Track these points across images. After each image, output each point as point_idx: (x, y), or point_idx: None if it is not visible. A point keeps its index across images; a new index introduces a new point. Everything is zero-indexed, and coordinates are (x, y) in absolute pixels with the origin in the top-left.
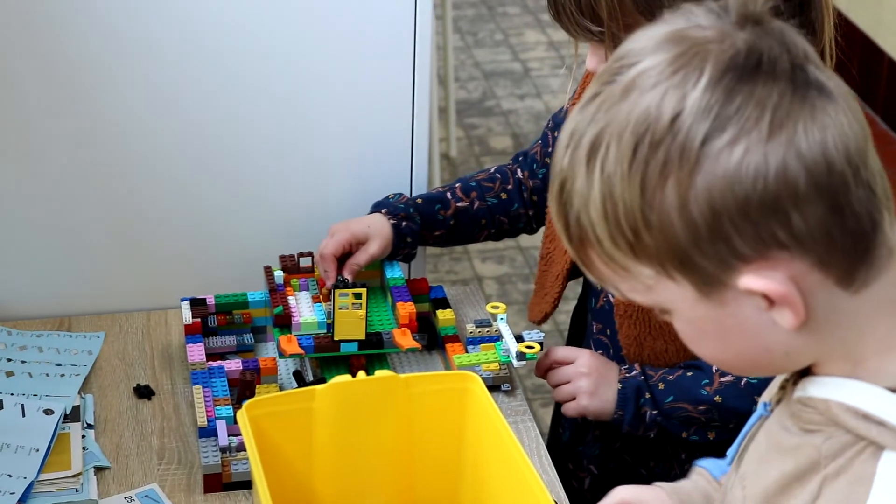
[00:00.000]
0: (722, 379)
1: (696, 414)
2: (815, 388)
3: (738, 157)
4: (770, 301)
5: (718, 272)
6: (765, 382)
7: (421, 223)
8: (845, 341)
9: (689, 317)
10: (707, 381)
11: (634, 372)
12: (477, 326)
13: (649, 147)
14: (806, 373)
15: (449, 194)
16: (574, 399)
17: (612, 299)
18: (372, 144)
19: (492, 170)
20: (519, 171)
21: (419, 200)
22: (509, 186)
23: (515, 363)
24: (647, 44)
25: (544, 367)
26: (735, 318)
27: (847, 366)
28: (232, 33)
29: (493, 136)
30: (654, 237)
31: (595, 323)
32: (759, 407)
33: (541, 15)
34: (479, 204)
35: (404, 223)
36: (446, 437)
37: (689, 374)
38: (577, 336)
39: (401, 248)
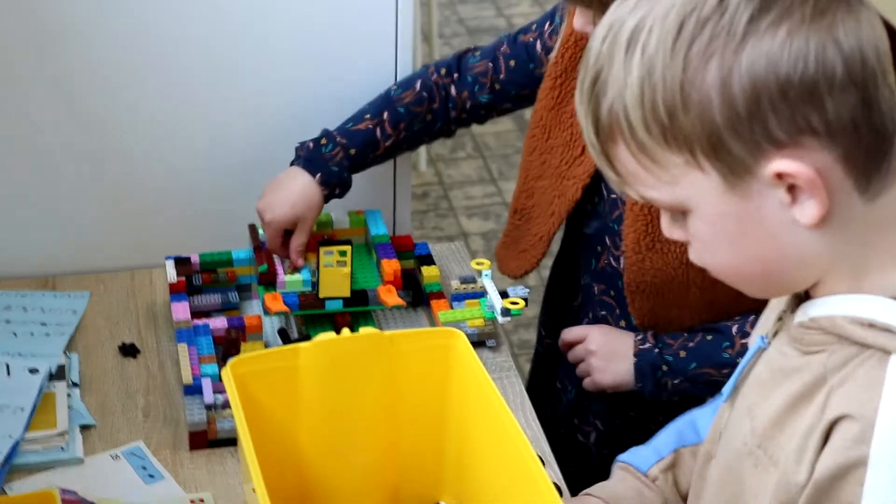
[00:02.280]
0: (742, 341)
1: (720, 377)
2: (816, 310)
3: (781, 37)
4: (794, 194)
5: (749, 158)
6: None
7: (350, 175)
8: (852, 255)
9: (710, 213)
10: (728, 343)
11: (648, 344)
12: (462, 283)
13: (695, 25)
14: (803, 301)
15: (378, 132)
16: (590, 376)
17: (613, 263)
18: (354, 102)
19: (418, 86)
20: (453, 88)
21: (352, 151)
22: (435, 105)
23: (500, 319)
24: None
25: (564, 350)
26: (757, 213)
27: (849, 282)
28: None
29: None
30: (691, 118)
31: (597, 285)
32: (757, 341)
33: None
34: (406, 134)
35: (337, 190)
36: (431, 393)
37: (710, 337)
38: (562, 296)
39: (329, 199)
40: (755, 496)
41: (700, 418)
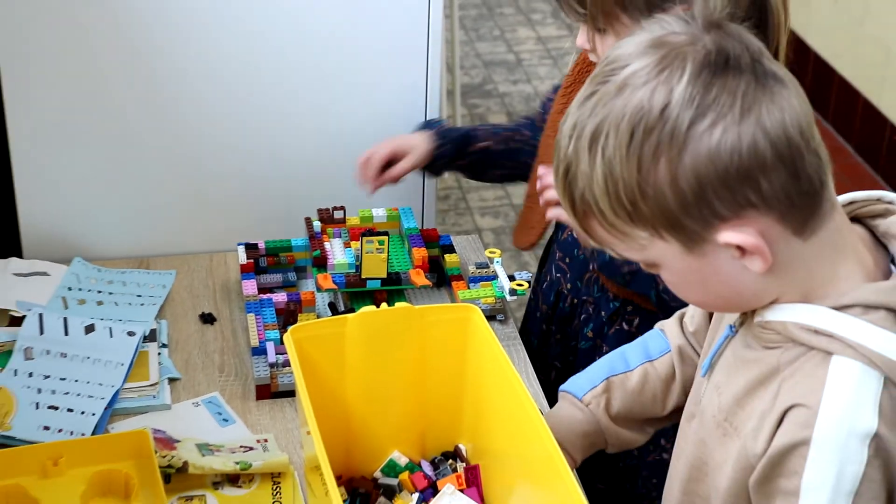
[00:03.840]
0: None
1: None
2: (771, 314)
3: (717, 137)
4: (742, 251)
5: (701, 230)
6: None
7: (453, 151)
8: (799, 280)
9: (676, 268)
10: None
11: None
12: (477, 268)
13: (643, 133)
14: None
15: (477, 132)
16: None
17: (573, 236)
18: (393, 120)
19: (510, 124)
20: (526, 130)
21: (453, 133)
22: (518, 138)
23: (508, 297)
24: (633, 49)
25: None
26: (713, 266)
27: (799, 296)
28: (284, 33)
29: (491, 114)
30: (650, 206)
31: (558, 251)
32: (726, 329)
33: (531, 15)
34: (496, 147)
35: (442, 148)
36: (452, 356)
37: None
38: (542, 263)
39: (431, 168)
40: (723, 461)
41: (629, 350)
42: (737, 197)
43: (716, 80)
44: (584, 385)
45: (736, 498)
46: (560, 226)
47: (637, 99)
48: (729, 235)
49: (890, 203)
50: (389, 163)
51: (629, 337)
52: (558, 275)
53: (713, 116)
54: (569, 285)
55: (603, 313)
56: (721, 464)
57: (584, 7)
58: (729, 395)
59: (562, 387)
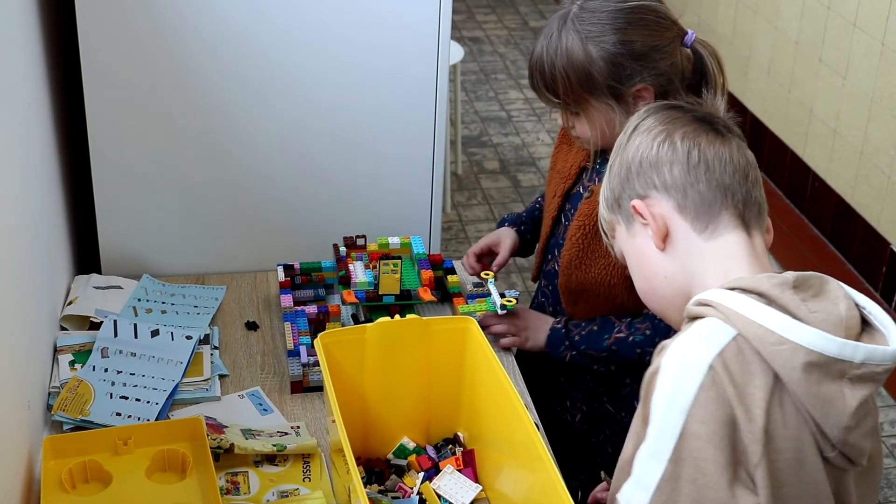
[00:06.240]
0: (618, 335)
1: (599, 357)
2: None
3: (648, 138)
4: (645, 223)
5: (627, 206)
6: (647, 340)
7: (531, 227)
8: (695, 272)
9: (628, 252)
10: (607, 336)
11: (559, 326)
12: (474, 287)
13: (617, 151)
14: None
15: (534, 208)
16: (518, 338)
17: (555, 268)
18: (408, 165)
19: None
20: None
21: (524, 215)
22: None
23: (499, 312)
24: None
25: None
26: (639, 245)
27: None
28: (325, 97)
29: (486, 161)
30: (612, 194)
31: (543, 280)
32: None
33: (520, 80)
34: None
35: (522, 227)
36: (453, 359)
37: (596, 328)
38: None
39: (524, 246)
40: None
41: None
42: (646, 179)
43: (667, 112)
44: None
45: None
46: (544, 257)
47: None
48: (637, 203)
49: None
50: (489, 253)
51: None
52: (542, 299)
53: (652, 131)
54: (550, 309)
55: None
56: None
57: (557, 97)
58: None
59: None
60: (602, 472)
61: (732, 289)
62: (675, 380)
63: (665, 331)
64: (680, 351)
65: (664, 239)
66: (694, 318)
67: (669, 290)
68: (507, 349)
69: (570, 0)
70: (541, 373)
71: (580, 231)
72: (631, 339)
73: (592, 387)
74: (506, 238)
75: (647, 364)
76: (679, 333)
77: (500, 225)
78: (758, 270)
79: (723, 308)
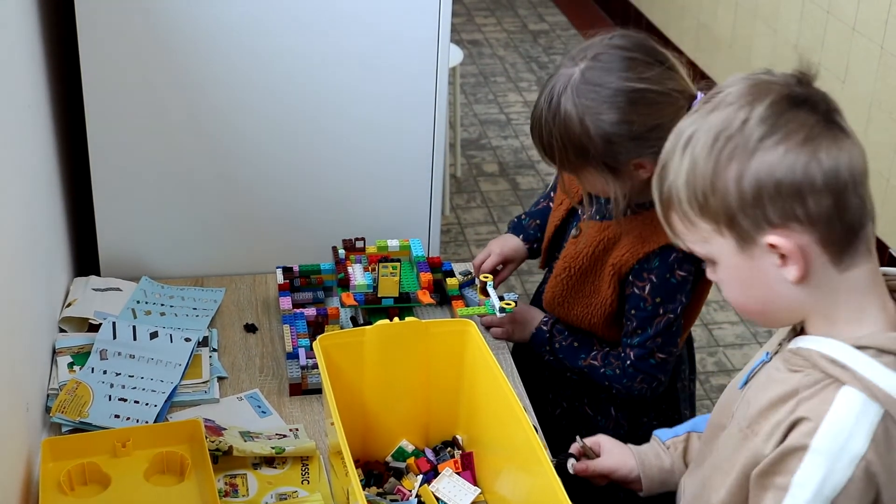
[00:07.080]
0: (592, 361)
1: (572, 369)
2: (803, 342)
3: (780, 153)
4: (783, 259)
5: (753, 232)
6: (616, 378)
7: (537, 232)
8: (827, 306)
9: (728, 265)
10: (584, 356)
11: (545, 328)
12: (461, 275)
13: (724, 140)
14: (798, 335)
15: (534, 213)
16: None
17: (553, 268)
18: (407, 167)
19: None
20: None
21: (538, 222)
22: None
23: (498, 314)
24: (733, 81)
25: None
26: (758, 268)
27: (825, 327)
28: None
29: (485, 163)
30: (717, 201)
31: (544, 283)
32: (763, 355)
33: (519, 83)
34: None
35: (535, 245)
36: (451, 362)
37: (576, 344)
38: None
39: (531, 255)
40: (737, 460)
41: (702, 422)
42: (786, 207)
43: (790, 112)
44: (669, 433)
45: (732, 496)
46: (548, 260)
47: (725, 114)
48: (774, 238)
49: None
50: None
51: None
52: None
53: (780, 136)
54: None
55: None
56: (735, 463)
57: (553, 161)
58: (756, 407)
59: (654, 431)
60: (577, 437)
61: (862, 347)
62: (827, 469)
63: (633, 376)
64: (831, 436)
65: (804, 276)
66: (819, 372)
67: (785, 314)
68: (506, 349)
69: (579, 53)
70: (531, 361)
71: (565, 272)
72: (602, 370)
73: (574, 386)
74: (517, 256)
75: (612, 391)
76: (816, 399)
77: (514, 230)
78: (889, 308)
79: (861, 378)
